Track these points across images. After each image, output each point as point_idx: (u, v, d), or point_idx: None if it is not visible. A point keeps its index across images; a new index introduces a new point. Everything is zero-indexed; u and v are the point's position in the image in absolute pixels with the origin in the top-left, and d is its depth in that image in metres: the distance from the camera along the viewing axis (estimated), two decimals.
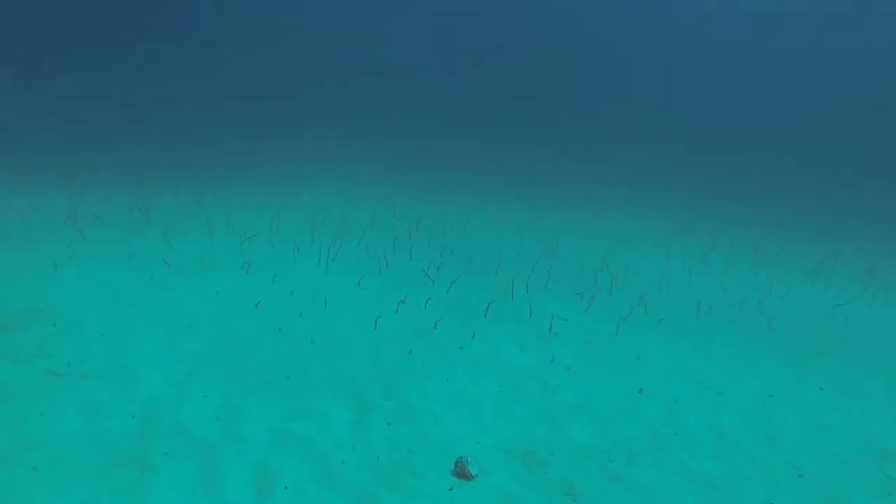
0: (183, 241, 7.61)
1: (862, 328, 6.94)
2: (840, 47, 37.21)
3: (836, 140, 31.56)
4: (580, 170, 20.96)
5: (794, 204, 18.63)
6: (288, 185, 12.77)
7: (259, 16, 36.34)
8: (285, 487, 3.04)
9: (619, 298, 7.11)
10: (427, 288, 6.72)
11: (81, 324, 4.65)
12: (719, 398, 4.60)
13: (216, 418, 3.58)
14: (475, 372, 4.67)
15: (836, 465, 3.77)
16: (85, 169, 11.71)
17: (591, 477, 3.44)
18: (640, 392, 4.59)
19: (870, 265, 10.95)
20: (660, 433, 3.98)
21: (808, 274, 9.61)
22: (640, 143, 27.70)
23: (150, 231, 7.90)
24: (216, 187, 11.63)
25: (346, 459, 3.33)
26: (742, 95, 37.85)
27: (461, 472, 3.28)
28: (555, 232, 10.93)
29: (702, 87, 38.84)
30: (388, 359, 4.76)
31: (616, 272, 8.40)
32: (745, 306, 7.29)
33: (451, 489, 3.19)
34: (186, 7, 34.50)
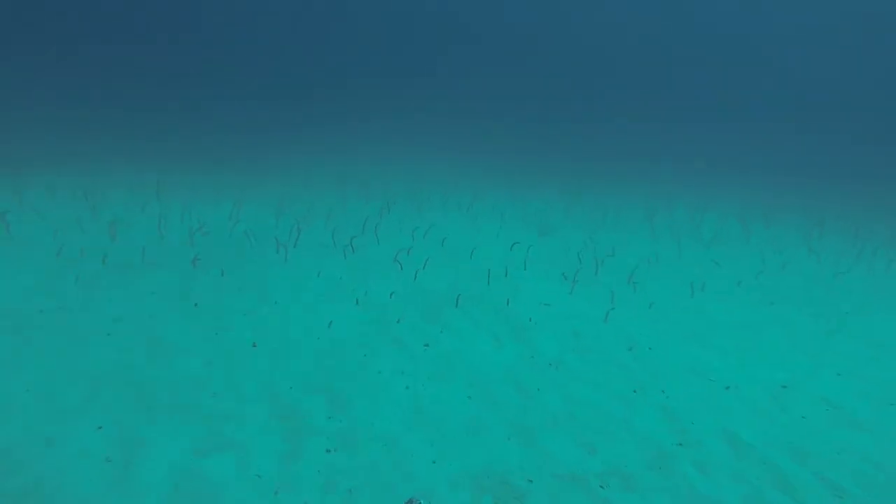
0: (129, 235, 6.65)
1: (868, 298, 6.15)
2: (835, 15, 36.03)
3: (816, 106, 30.71)
4: (560, 146, 20.01)
5: (775, 170, 17.84)
6: (254, 172, 11.75)
7: (232, 10, 34.59)
8: None
9: (605, 278, 6.27)
10: (394, 275, 5.83)
11: None
12: (726, 394, 3.79)
13: (106, 460, 2.70)
14: (440, 375, 3.82)
15: (876, 477, 2.97)
16: (31, 159, 10.61)
17: None
18: (634, 392, 3.76)
19: (856, 228, 10.19)
20: (661, 446, 3.15)
21: (799, 242, 8.82)
22: (619, 117, 26.70)
23: (93, 225, 6.92)
24: (178, 177, 10.60)
25: None
26: (726, 64, 36.77)
27: None
28: (535, 209, 10.05)
29: (685, 57, 37.72)
30: (340, 364, 3.89)
31: (601, 249, 7.55)
32: (743, 282, 6.48)
33: None
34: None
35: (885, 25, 32.85)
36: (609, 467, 2.95)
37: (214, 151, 13.88)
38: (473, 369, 3.94)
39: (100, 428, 2.94)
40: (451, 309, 5.02)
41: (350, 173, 12.30)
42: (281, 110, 22.62)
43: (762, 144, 23.15)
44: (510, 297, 5.40)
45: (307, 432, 3.07)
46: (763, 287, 6.32)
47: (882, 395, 3.88)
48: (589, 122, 25.53)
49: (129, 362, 3.68)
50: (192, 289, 5.10)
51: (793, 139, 24.39)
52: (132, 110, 18.35)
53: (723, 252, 7.85)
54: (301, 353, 4.01)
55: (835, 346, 4.73)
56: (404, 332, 4.49)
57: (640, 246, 7.89)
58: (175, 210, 7.97)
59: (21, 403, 3.07)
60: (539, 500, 2.68)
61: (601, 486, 2.80)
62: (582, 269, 6.50)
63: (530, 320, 4.88)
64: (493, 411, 3.41)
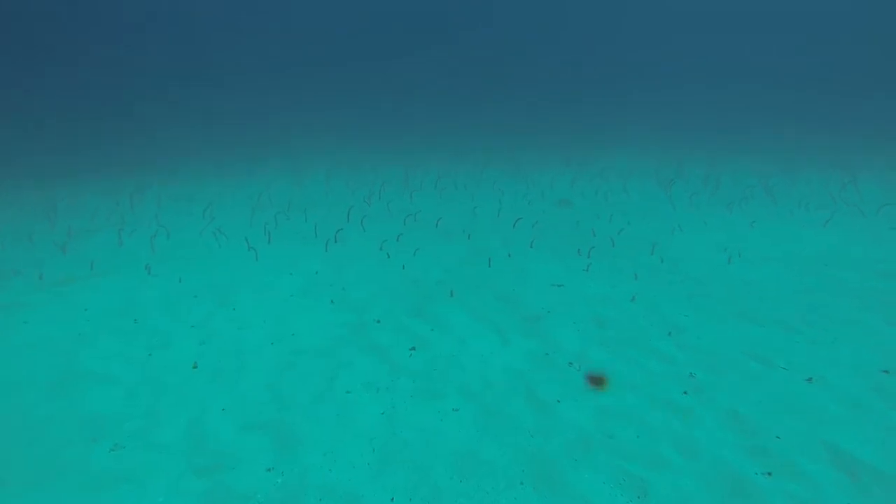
0: (83, 244, 5.70)
1: None
2: None
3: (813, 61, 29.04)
4: (558, 120, 18.79)
5: (782, 127, 16.49)
6: (234, 168, 10.76)
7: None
8: None
9: (625, 251, 5.19)
10: (380, 266, 4.81)
11: None
12: (809, 389, 2.72)
13: None
14: (428, 391, 2.79)
15: None
16: (5, 175, 9.71)
17: None
18: (685, 394, 2.71)
19: (892, 178, 8.96)
20: (741, 476, 2.10)
21: (832, 197, 7.64)
22: (623, 82, 25.35)
23: (44, 237, 5.97)
24: (155, 177, 9.64)
25: None
26: (733, 29, 35.04)
27: None
28: (537, 184, 8.95)
29: (694, 22, 36.00)
30: (298, 385, 2.88)
31: (616, 219, 6.46)
32: (783, 244, 5.36)
33: None
34: None
35: None
36: None
37: (190, 148, 12.93)
38: (472, 377, 2.91)
39: None
40: (445, 301, 3.98)
41: (336, 161, 11.27)
42: (263, 98, 21.64)
43: (763, 104, 21.71)
44: (516, 282, 4.36)
45: (233, 497, 2.07)
46: (809, 248, 5.20)
47: None
48: (585, 97, 24.22)
49: (21, 403, 2.70)
50: (138, 301, 4.12)
51: (794, 94, 22.91)
52: (110, 114, 17.47)
53: (751, 214, 6.72)
54: (251, 373, 3.01)
55: None
56: (386, 334, 3.47)
57: (657, 214, 6.78)
58: (146, 214, 7.01)
59: None
60: None
61: None
62: (597, 244, 5.43)
63: (542, 307, 3.83)
64: (498, 438, 2.38)
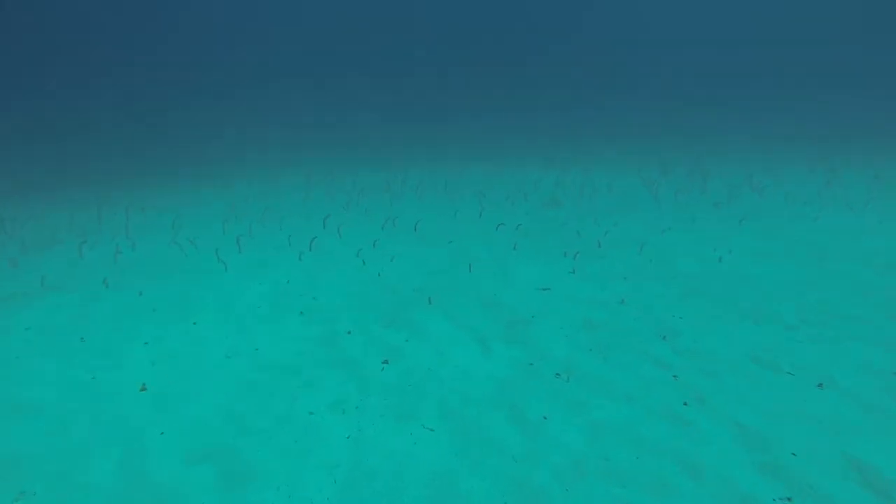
0: (37, 259, 5.28)
1: None
2: None
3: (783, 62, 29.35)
4: (540, 123, 18.64)
5: (761, 127, 16.49)
6: (208, 180, 10.36)
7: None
8: None
9: (612, 251, 4.92)
10: (355, 274, 4.48)
11: None
12: (822, 396, 2.43)
13: None
14: (400, 409, 2.46)
15: None
16: None
17: None
18: (685, 405, 2.41)
19: (875, 171, 8.85)
20: (756, 503, 1.80)
21: (818, 192, 7.47)
22: (592, 93, 25.31)
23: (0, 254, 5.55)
24: (125, 190, 9.22)
25: None
26: (717, 29, 35.28)
27: None
28: (520, 186, 8.68)
29: (678, 23, 36.19)
30: (256, 406, 2.54)
31: (601, 219, 6.20)
32: (777, 239, 5.13)
33: None
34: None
35: None
36: None
37: (164, 159, 12.49)
38: (450, 391, 2.59)
39: None
40: (423, 308, 3.66)
41: (314, 170, 10.92)
42: (237, 108, 21.27)
43: (749, 104, 21.80)
44: (499, 286, 4.05)
45: None
46: (801, 243, 4.97)
47: None
48: (567, 100, 24.15)
49: None
50: (89, 317, 3.74)
51: (777, 91, 23.06)
52: (84, 128, 16.99)
53: (739, 212, 6.50)
54: (205, 395, 2.66)
55: None
56: (357, 346, 3.13)
57: (644, 215, 6.53)
58: (114, 227, 6.60)
59: None
60: None
61: None
62: (584, 245, 5.15)
63: (527, 312, 3.53)
64: (478, 463, 2.06)
